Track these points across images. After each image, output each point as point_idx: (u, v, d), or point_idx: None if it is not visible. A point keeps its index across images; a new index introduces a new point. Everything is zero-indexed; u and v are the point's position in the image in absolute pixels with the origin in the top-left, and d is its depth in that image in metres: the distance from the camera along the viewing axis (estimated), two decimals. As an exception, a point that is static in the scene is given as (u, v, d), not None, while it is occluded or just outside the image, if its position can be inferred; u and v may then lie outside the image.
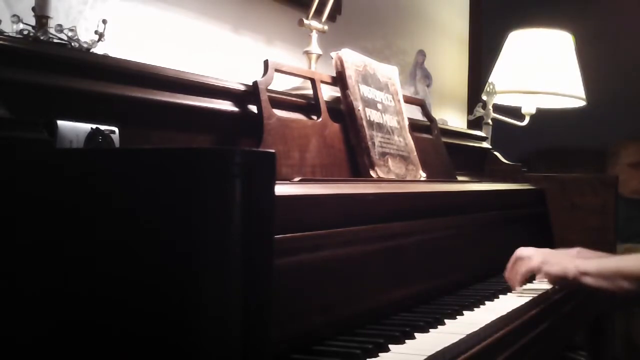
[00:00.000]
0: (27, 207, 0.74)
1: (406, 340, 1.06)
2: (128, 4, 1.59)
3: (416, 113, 2.02)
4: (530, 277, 1.59)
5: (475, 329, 1.13)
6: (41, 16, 1.13)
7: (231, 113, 1.31)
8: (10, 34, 1.07)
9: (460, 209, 1.65)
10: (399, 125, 1.67)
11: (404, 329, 1.08)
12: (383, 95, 1.66)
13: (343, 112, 1.52)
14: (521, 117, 2.81)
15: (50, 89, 0.98)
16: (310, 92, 1.50)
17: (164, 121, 1.18)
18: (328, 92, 1.57)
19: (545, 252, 1.54)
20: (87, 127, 0.95)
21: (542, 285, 1.58)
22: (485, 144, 2.54)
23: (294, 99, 1.47)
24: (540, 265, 1.48)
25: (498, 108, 2.69)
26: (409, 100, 1.88)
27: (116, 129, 0.98)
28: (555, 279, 1.50)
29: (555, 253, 1.56)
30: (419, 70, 2.46)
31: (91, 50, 1.16)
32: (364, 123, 1.52)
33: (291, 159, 1.33)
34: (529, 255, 1.50)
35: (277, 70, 1.39)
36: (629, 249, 2.96)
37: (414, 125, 1.84)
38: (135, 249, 0.69)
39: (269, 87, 1.34)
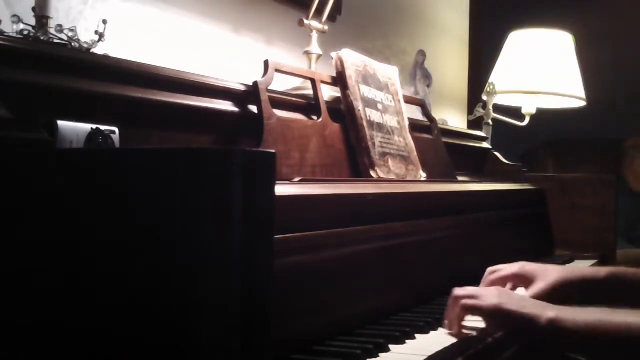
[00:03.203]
0: (27, 207, 0.74)
1: (406, 340, 1.06)
2: (128, 4, 1.59)
3: (416, 113, 2.02)
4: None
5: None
6: (41, 16, 1.13)
7: (231, 113, 1.31)
8: (10, 34, 1.07)
9: (460, 209, 1.64)
10: (399, 125, 1.67)
11: (404, 329, 1.08)
12: (383, 95, 1.66)
13: (343, 112, 1.52)
14: (521, 117, 2.81)
15: (50, 89, 0.98)
16: (310, 92, 1.50)
17: (164, 121, 1.18)
18: (328, 92, 1.57)
19: (502, 291, 1.17)
20: (87, 127, 0.95)
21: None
22: (485, 144, 2.53)
23: (294, 99, 1.47)
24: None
25: (498, 108, 2.69)
26: (409, 100, 1.88)
27: (116, 129, 0.99)
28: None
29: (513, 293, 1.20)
30: (419, 70, 2.46)
31: (91, 50, 1.16)
32: (364, 123, 1.52)
33: (291, 159, 1.33)
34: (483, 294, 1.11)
35: (277, 70, 1.39)
36: (627, 254, 2.94)
37: (414, 125, 1.84)
38: (135, 249, 0.69)
39: (269, 87, 1.34)
